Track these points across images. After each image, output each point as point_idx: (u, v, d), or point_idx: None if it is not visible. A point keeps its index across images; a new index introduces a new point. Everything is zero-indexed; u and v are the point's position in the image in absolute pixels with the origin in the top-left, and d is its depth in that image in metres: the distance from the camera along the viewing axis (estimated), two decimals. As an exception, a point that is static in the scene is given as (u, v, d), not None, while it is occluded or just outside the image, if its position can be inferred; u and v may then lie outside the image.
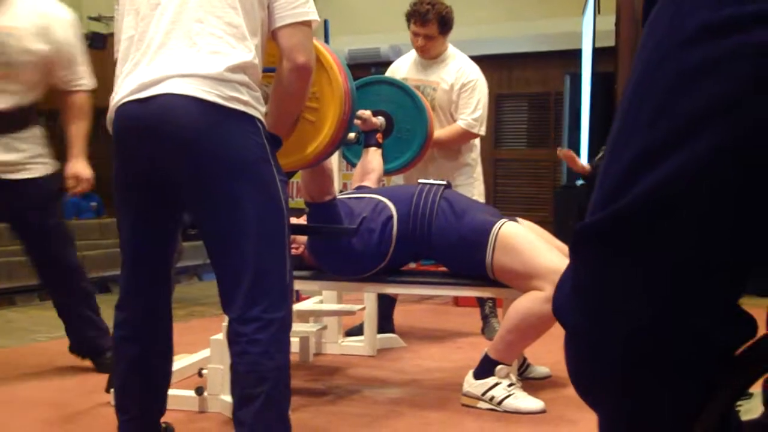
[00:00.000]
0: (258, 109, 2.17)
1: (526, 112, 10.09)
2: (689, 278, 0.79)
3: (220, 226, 2.19)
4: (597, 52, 7.45)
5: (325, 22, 6.47)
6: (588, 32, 7.63)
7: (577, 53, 8.13)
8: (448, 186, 3.44)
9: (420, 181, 3.49)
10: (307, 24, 2.30)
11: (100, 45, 11.78)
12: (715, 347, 0.82)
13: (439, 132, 4.34)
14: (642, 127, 0.80)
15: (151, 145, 2.15)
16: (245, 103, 2.12)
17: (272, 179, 2.17)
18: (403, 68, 4.58)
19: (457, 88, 4.39)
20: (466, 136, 4.44)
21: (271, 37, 2.32)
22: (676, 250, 0.78)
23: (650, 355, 0.83)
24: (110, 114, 2.23)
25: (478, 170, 4.65)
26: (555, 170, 9.49)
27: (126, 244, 2.36)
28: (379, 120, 3.91)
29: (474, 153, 4.61)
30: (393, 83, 4.17)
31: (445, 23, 4.32)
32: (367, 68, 10.15)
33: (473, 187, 4.56)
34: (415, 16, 4.34)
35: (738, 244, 0.78)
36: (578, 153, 7.68)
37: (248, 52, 2.18)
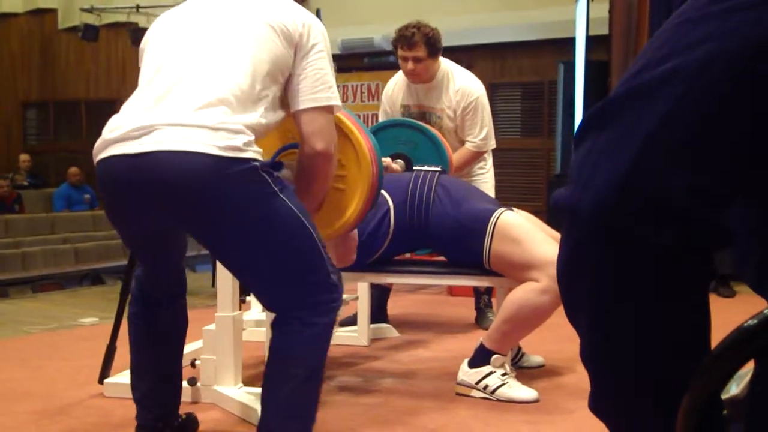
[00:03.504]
0: (252, 150, 2.09)
1: (519, 101, 10.07)
2: (658, 143, 0.87)
3: (241, 264, 2.23)
4: (591, 41, 7.44)
5: (318, 12, 6.46)
6: (582, 20, 7.62)
7: (570, 41, 8.11)
8: (442, 172, 3.43)
9: (415, 168, 3.48)
10: (328, 109, 2.29)
11: (92, 37, 11.75)
12: (685, 212, 0.87)
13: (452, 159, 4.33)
14: (648, 52, 0.92)
15: (149, 204, 2.13)
16: (239, 149, 2.05)
17: (282, 206, 2.13)
18: (399, 94, 4.51)
19: (460, 112, 4.35)
20: (477, 156, 4.45)
21: (292, 117, 2.32)
22: (649, 123, 0.88)
23: (616, 219, 0.89)
24: (99, 154, 2.16)
25: (490, 163, 4.66)
26: (549, 159, 9.49)
27: (136, 254, 2.48)
28: (399, 164, 3.89)
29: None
30: (404, 124, 4.12)
31: (432, 45, 4.25)
32: (360, 58, 10.14)
33: (487, 177, 4.60)
34: (401, 41, 4.29)
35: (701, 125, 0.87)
36: (572, 142, 7.67)
37: (252, 113, 2.15)
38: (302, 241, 2.17)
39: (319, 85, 2.27)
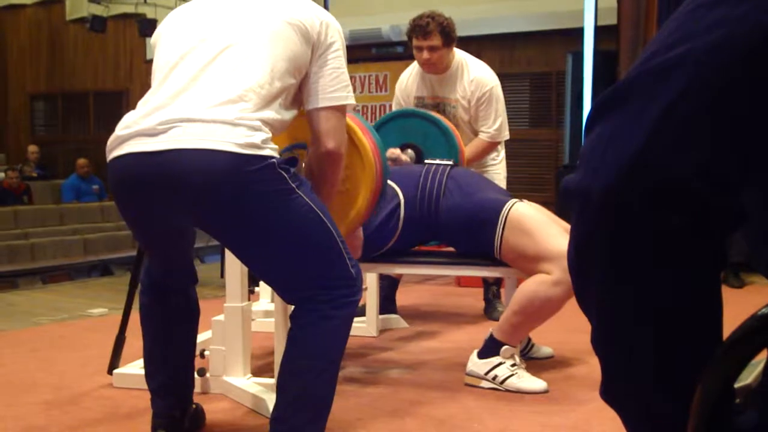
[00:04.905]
0: (269, 147, 2.08)
1: (528, 92, 10.04)
2: (669, 124, 0.86)
3: (260, 260, 2.23)
4: (599, 31, 7.42)
5: (325, 2, 6.44)
6: (590, 10, 7.59)
7: (579, 32, 8.08)
8: (454, 165, 3.43)
9: (426, 161, 3.47)
10: (342, 109, 2.30)
11: (100, 28, 11.77)
12: (694, 196, 0.86)
13: (466, 151, 4.32)
14: (660, 38, 0.92)
15: (165, 202, 2.12)
16: (257, 146, 2.04)
17: (300, 202, 2.13)
18: (413, 86, 4.49)
19: (474, 102, 4.34)
20: (491, 146, 4.44)
21: (306, 115, 2.32)
22: (659, 106, 0.87)
23: (627, 203, 0.88)
24: (113, 151, 2.14)
25: (502, 154, 4.66)
26: (557, 150, 9.47)
27: (148, 250, 2.46)
28: (409, 154, 3.89)
29: None
30: (417, 114, 4.13)
31: (447, 34, 4.23)
32: (368, 48, 10.12)
33: (499, 169, 4.61)
34: (416, 31, 4.27)
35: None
36: (580, 133, 7.65)
37: (270, 110, 2.15)
38: (320, 236, 2.17)
39: (335, 84, 2.28)
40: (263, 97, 2.13)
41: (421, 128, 4.01)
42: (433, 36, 4.21)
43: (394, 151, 3.76)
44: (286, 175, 2.10)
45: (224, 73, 2.13)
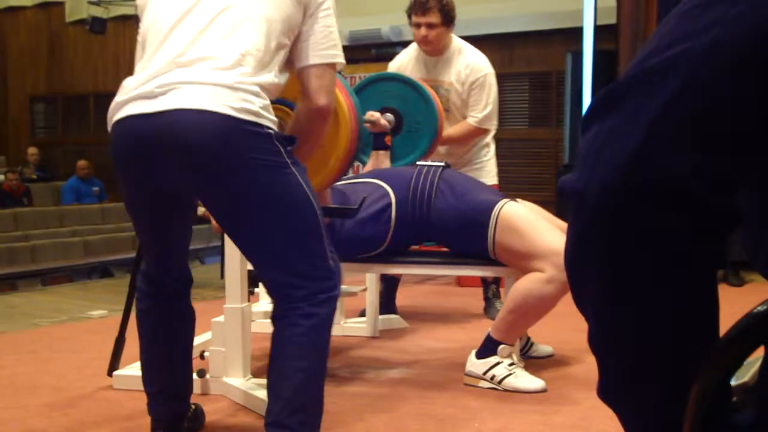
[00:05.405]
0: (268, 117, 2.10)
1: (527, 92, 10.03)
2: (667, 124, 0.87)
3: (248, 234, 2.21)
4: (598, 30, 7.42)
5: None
6: (589, 10, 7.60)
7: (578, 31, 8.08)
8: (446, 167, 3.43)
9: (418, 163, 3.47)
10: (333, 66, 2.30)
11: (100, 30, 11.77)
12: (691, 195, 0.85)
13: (451, 130, 4.35)
14: (656, 38, 0.92)
15: (162, 163, 2.11)
16: (256, 113, 2.05)
17: (292, 178, 2.13)
18: (408, 67, 4.51)
19: (467, 86, 4.37)
20: (477, 132, 4.46)
21: (296, 74, 2.31)
22: (656, 106, 0.87)
23: (625, 202, 0.88)
24: (114, 116, 2.15)
25: (492, 150, 4.66)
26: (557, 150, 9.46)
27: (144, 239, 2.43)
28: (388, 118, 3.89)
29: (490, 134, 4.60)
30: (397, 78, 4.14)
31: (446, 13, 4.26)
32: (368, 49, 10.11)
33: (489, 166, 4.62)
34: (415, 7, 4.30)
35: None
36: (579, 132, 7.66)
37: (267, 73, 2.15)
38: (306, 216, 2.17)
39: (327, 42, 2.28)
40: (260, 60, 2.14)
41: (401, 92, 4.03)
42: (431, 13, 4.24)
43: (373, 114, 3.76)
44: (282, 149, 2.11)
45: (221, 37, 2.13)
